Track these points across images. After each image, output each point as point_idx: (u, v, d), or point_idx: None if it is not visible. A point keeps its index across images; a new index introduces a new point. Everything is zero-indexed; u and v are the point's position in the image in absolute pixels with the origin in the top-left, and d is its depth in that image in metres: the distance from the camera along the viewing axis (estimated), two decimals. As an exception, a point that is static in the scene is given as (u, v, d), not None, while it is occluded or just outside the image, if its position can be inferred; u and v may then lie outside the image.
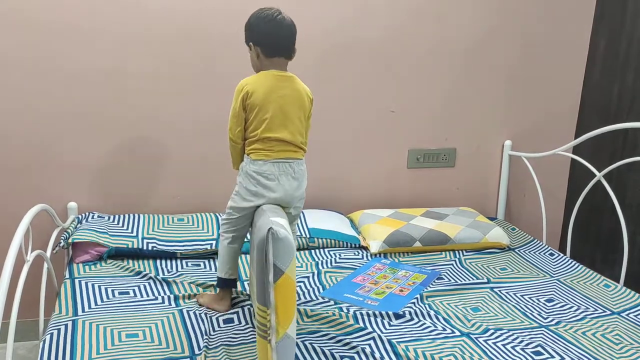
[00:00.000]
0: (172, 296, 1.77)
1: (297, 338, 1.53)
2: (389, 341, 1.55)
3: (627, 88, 2.55)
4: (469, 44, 2.59)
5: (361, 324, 1.65)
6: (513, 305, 1.84)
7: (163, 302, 1.73)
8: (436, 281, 2.01)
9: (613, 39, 2.61)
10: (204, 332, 1.57)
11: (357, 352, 1.49)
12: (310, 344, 1.52)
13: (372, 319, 1.69)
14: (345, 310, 1.73)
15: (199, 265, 2.06)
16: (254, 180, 1.62)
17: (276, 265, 1.28)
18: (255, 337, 1.51)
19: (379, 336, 1.57)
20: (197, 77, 2.33)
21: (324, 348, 1.50)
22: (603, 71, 2.67)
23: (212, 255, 2.12)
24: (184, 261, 2.08)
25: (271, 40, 1.63)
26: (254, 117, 1.62)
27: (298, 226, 2.29)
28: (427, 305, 1.80)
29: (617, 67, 2.59)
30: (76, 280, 1.85)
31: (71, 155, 2.26)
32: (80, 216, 2.24)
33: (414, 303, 1.82)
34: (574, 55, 2.74)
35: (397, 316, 1.72)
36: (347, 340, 1.54)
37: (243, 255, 1.97)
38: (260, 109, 1.61)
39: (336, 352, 1.48)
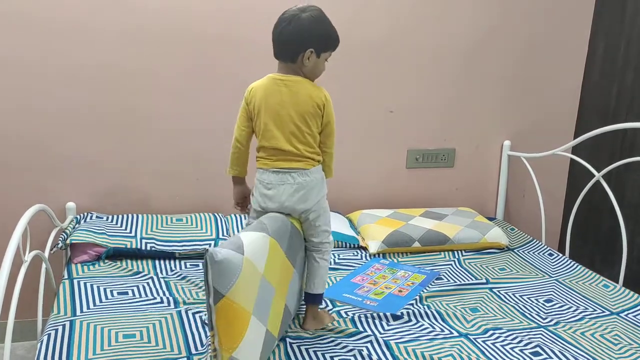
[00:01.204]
0: (170, 297, 1.76)
1: (293, 341, 1.53)
2: (386, 343, 1.54)
3: (626, 88, 2.55)
4: (468, 44, 2.59)
5: (359, 326, 1.65)
6: (512, 306, 1.84)
7: (161, 302, 1.73)
8: (435, 281, 2.01)
9: (612, 39, 2.61)
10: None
11: (354, 355, 1.48)
12: (306, 348, 1.51)
13: (369, 320, 1.69)
14: (344, 314, 1.72)
15: (198, 265, 2.05)
16: (257, 188, 1.60)
17: (215, 288, 1.23)
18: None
19: (376, 338, 1.56)
20: (198, 77, 2.33)
21: (318, 352, 1.49)
22: (602, 71, 2.67)
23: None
24: (182, 261, 2.07)
25: (273, 43, 1.56)
26: (256, 122, 1.58)
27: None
28: (426, 306, 1.80)
29: (616, 67, 2.59)
30: (74, 281, 1.84)
31: (70, 155, 2.26)
32: (78, 216, 2.24)
33: (412, 303, 1.81)
34: (573, 56, 2.74)
35: (395, 317, 1.72)
36: (344, 343, 1.53)
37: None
38: (258, 114, 1.56)
39: (333, 355, 1.48)
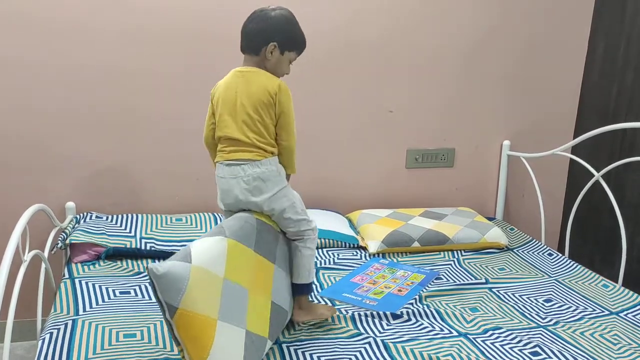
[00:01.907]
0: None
1: (290, 345, 1.52)
2: (384, 342, 1.54)
3: (625, 88, 2.55)
4: (468, 44, 2.59)
5: (358, 325, 1.65)
6: (511, 305, 1.84)
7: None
8: (435, 281, 2.01)
9: (612, 39, 2.61)
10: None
11: (354, 355, 1.48)
12: (302, 351, 1.49)
13: (369, 319, 1.69)
14: (344, 311, 1.72)
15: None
16: (217, 185, 1.60)
17: (166, 302, 1.22)
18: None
19: (374, 339, 1.56)
20: (197, 77, 2.33)
21: (314, 354, 1.48)
22: (602, 71, 2.67)
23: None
24: (182, 261, 2.07)
25: (241, 36, 1.59)
26: (217, 116, 1.59)
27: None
28: (425, 306, 1.80)
29: (615, 67, 2.59)
30: (75, 280, 1.84)
31: (70, 155, 2.26)
32: (78, 216, 2.24)
33: (412, 303, 1.81)
34: (573, 56, 2.74)
35: (395, 316, 1.72)
36: (342, 345, 1.53)
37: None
38: (216, 107, 1.58)
39: (331, 356, 1.47)
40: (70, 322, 1.57)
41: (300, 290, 1.62)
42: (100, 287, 1.80)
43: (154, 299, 1.73)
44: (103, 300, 1.71)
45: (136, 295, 1.77)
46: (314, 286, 1.92)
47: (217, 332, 1.27)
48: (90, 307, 1.67)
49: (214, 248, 1.36)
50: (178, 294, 1.22)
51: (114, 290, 1.78)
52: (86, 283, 1.82)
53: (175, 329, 1.23)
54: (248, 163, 1.52)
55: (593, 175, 2.33)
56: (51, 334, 1.50)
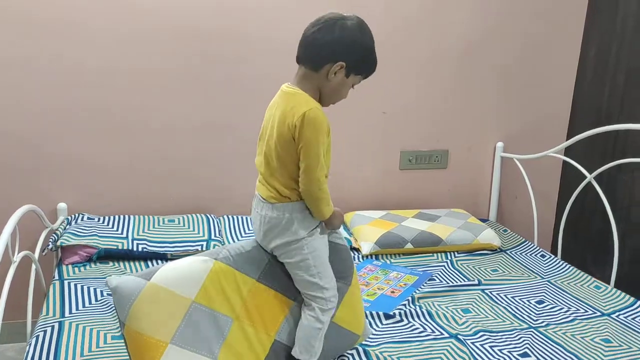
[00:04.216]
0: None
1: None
2: (364, 350, 1.52)
3: (618, 90, 2.55)
4: (461, 46, 2.59)
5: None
6: (503, 307, 1.84)
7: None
8: (428, 282, 2.00)
9: (604, 42, 2.62)
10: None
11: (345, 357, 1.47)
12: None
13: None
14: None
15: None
16: None
17: (118, 316, 1.20)
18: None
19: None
20: (191, 78, 2.32)
21: None
22: (594, 73, 2.68)
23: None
24: (174, 262, 2.06)
25: (300, 44, 1.35)
26: None
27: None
28: (418, 307, 1.80)
29: (608, 69, 2.60)
30: (64, 282, 1.83)
31: (62, 156, 2.25)
32: (69, 217, 2.23)
33: (405, 304, 1.81)
34: (566, 58, 2.74)
35: (387, 317, 1.72)
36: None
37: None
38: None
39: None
40: (57, 325, 1.56)
41: None
42: (88, 288, 1.79)
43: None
44: (90, 303, 1.70)
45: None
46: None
47: (165, 356, 1.20)
48: (77, 309, 1.66)
49: (189, 268, 1.29)
50: (124, 309, 1.20)
51: (101, 292, 1.77)
52: (75, 285, 1.81)
53: (127, 344, 1.22)
54: (264, 203, 1.34)
55: (585, 177, 2.33)
56: (37, 337, 1.49)
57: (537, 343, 1.61)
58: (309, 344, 1.34)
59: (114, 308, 1.62)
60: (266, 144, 1.33)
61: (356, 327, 1.48)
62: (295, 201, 1.33)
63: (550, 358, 1.54)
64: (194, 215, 2.31)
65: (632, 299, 1.90)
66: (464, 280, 2.04)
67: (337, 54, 1.28)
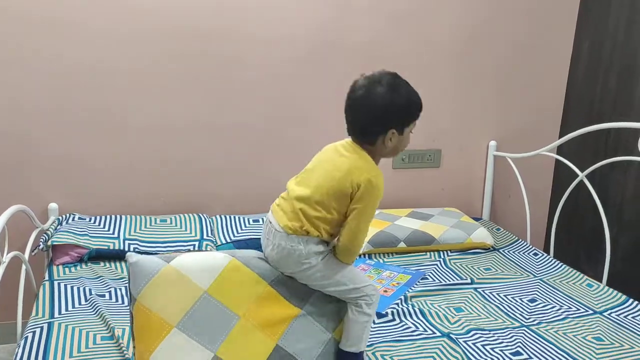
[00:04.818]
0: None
1: None
2: None
3: (610, 88, 2.56)
4: (454, 45, 2.59)
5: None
6: (496, 305, 1.84)
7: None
8: (420, 281, 2.00)
9: (596, 40, 2.62)
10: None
11: None
12: None
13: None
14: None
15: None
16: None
17: (130, 291, 1.24)
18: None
19: None
20: (183, 78, 2.31)
21: None
22: (587, 72, 2.68)
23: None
24: (166, 262, 2.05)
25: (346, 120, 1.39)
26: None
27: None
28: (410, 306, 1.80)
29: (600, 67, 2.61)
30: (55, 282, 1.82)
31: (53, 155, 2.23)
32: (60, 217, 2.21)
33: (397, 303, 1.81)
34: (558, 57, 2.75)
35: (380, 316, 1.71)
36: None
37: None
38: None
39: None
40: (45, 326, 1.54)
41: (342, 357, 1.40)
42: (78, 289, 1.77)
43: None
44: (79, 303, 1.69)
45: (110, 298, 1.74)
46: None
47: (168, 339, 1.24)
48: (66, 309, 1.64)
49: (207, 260, 1.33)
50: (139, 286, 1.24)
51: (90, 292, 1.75)
52: (65, 285, 1.80)
53: (133, 320, 1.24)
54: (280, 232, 1.35)
55: (578, 175, 2.34)
56: (26, 338, 1.48)
57: (529, 341, 1.61)
58: (357, 336, 1.38)
59: (104, 308, 1.65)
60: (316, 181, 1.36)
61: None
62: (314, 236, 1.35)
63: (543, 356, 1.54)
64: (186, 215, 2.29)
65: (624, 297, 1.91)
66: (457, 279, 2.04)
67: (385, 125, 1.32)
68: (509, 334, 1.65)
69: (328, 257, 1.38)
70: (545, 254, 2.31)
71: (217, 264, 1.33)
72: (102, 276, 1.90)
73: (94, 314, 1.62)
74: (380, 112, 1.31)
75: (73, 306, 1.67)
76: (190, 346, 1.25)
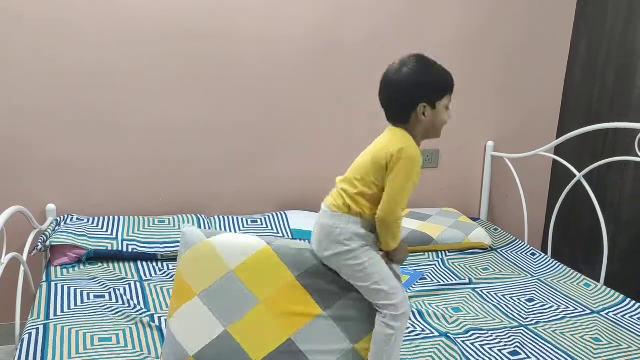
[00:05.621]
0: (143, 301, 1.74)
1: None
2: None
3: (607, 88, 2.57)
4: (452, 46, 2.59)
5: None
6: (494, 305, 1.84)
7: (138, 305, 1.71)
8: (419, 281, 2.01)
9: (594, 40, 2.63)
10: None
11: None
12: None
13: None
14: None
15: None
16: None
17: (178, 252, 1.43)
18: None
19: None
20: (180, 77, 2.31)
21: None
22: (584, 72, 2.69)
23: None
24: (164, 263, 2.05)
25: (383, 108, 1.44)
26: None
27: (280, 228, 2.27)
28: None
29: (597, 68, 2.61)
30: (52, 284, 1.82)
31: (50, 156, 2.23)
32: (58, 218, 2.21)
33: (395, 304, 1.81)
34: (555, 57, 2.76)
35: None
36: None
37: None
38: None
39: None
40: (42, 327, 1.54)
41: None
42: (76, 290, 1.77)
43: (127, 304, 1.71)
44: (76, 304, 1.68)
45: (110, 299, 1.73)
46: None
47: (189, 304, 1.36)
48: (62, 311, 1.64)
49: (243, 242, 1.41)
50: (182, 253, 1.41)
51: (88, 294, 1.75)
52: (62, 286, 1.80)
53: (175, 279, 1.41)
54: (325, 210, 1.38)
55: (575, 175, 2.34)
56: (24, 340, 1.47)
57: (527, 341, 1.62)
58: (380, 349, 1.33)
59: (106, 307, 1.67)
60: (356, 163, 1.40)
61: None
62: (353, 215, 1.35)
63: (541, 356, 1.54)
64: (184, 215, 2.29)
65: (621, 296, 1.92)
66: (455, 279, 2.04)
67: (414, 101, 1.35)
68: (507, 334, 1.65)
69: (370, 249, 1.36)
70: (543, 254, 2.32)
71: (251, 247, 1.39)
72: (98, 277, 1.89)
73: (89, 316, 1.62)
74: (404, 86, 1.36)
75: (70, 307, 1.66)
76: (206, 316, 1.34)
